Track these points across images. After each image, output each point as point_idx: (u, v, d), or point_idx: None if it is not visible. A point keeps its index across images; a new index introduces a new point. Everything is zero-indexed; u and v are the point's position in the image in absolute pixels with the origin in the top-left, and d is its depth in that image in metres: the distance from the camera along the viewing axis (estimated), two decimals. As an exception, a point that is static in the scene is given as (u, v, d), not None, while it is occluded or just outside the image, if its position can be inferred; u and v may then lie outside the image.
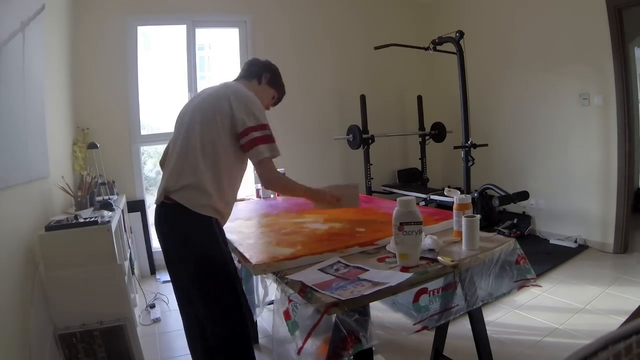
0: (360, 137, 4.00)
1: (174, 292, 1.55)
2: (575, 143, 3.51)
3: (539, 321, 2.29)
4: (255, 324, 2.28)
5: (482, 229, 1.34)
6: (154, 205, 1.50)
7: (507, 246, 1.34)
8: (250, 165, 1.48)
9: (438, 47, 3.63)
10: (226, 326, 1.36)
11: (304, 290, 1.06)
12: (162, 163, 1.63)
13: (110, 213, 2.18)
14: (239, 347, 1.38)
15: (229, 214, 1.50)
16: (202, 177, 1.36)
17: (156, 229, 1.50)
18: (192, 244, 1.37)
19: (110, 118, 3.39)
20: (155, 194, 1.51)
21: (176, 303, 1.57)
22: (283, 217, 1.91)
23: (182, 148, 1.42)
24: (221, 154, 1.39)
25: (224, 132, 1.38)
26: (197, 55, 3.75)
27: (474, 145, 3.38)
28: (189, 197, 1.36)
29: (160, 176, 1.59)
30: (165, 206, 1.41)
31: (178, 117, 1.56)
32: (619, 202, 3.24)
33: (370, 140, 4.03)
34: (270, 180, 1.43)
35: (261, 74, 1.64)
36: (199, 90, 3.82)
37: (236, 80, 1.64)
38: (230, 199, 1.47)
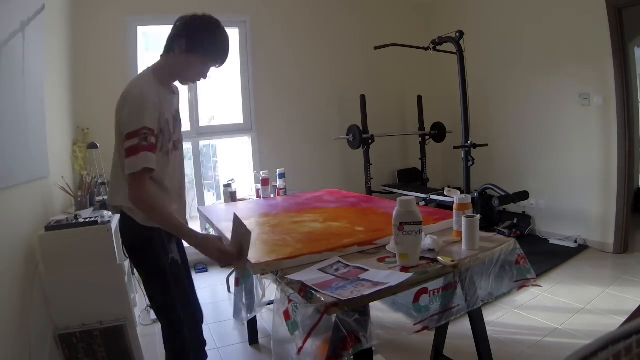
0: (360, 137, 4.00)
1: None
2: (575, 143, 3.51)
3: (539, 321, 2.28)
4: (255, 323, 2.29)
5: (482, 229, 1.34)
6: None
7: (507, 246, 1.34)
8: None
9: (438, 47, 3.63)
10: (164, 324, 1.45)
11: (304, 290, 1.06)
12: None
13: (110, 213, 2.18)
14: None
15: (177, 208, 1.45)
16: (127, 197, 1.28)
17: None
18: (135, 255, 1.43)
19: (110, 118, 3.32)
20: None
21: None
22: (282, 217, 1.90)
23: (113, 161, 1.44)
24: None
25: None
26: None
27: (474, 145, 3.38)
28: (126, 212, 1.38)
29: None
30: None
31: None
32: (619, 202, 3.24)
33: (370, 140, 4.03)
34: (132, 196, 1.25)
35: (173, 42, 1.32)
36: (198, 89, 3.86)
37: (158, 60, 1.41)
38: (167, 200, 1.40)
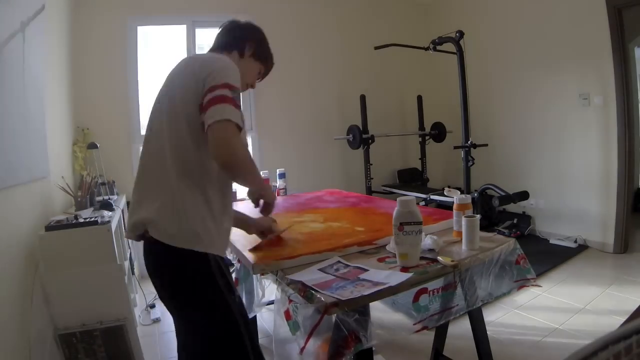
0: (360, 137, 4.00)
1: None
2: (575, 143, 3.51)
3: (539, 321, 2.28)
4: (255, 323, 2.29)
5: (482, 229, 1.34)
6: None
7: (507, 246, 1.34)
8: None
9: (438, 47, 3.63)
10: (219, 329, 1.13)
11: (304, 290, 1.06)
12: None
13: (110, 213, 2.18)
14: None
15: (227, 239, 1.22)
16: (181, 198, 1.05)
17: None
18: (183, 295, 1.10)
19: (110, 118, 3.39)
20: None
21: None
22: (282, 217, 1.90)
23: (145, 160, 1.16)
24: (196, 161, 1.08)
25: (196, 112, 1.06)
26: (197, 55, 3.74)
27: (474, 145, 3.38)
28: (167, 228, 1.05)
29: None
30: (146, 241, 1.11)
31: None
32: (619, 202, 3.24)
33: (370, 140, 4.03)
34: (221, 141, 0.99)
35: (244, 44, 1.27)
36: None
37: (210, 51, 1.29)
38: (224, 218, 1.16)
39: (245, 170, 1.08)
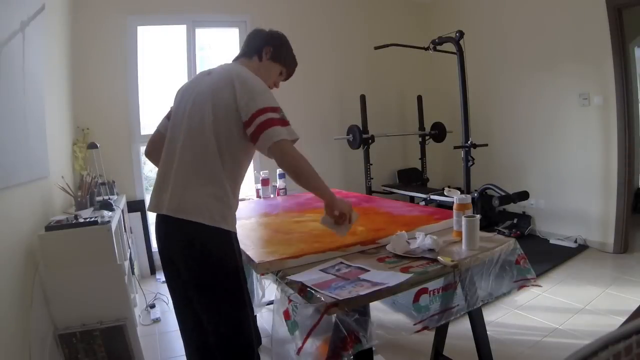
0: (360, 137, 4.00)
1: (169, 291, 1.43)
2: (575, 143, 3.51)
3: (539, 321, 2.28)
4: (255, 323, 2.29)
5: (482, 229, 1.34)
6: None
7: (507, 246, 1.34)
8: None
9: (438, 47, 3.63)
10: (229, 325, 1.28)
11: (304, 290, 1.06)
12: (150, 153, 1.52)
13: (110, 213, 2.18)
14: (241, 347, 1.29)
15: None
16: (222, 185, 1.25)
17: (157, 231, 1.36)
18: (209, 260, 1.25)
19: (110, 118, 3.39)
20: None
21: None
22: (283, 217, 1.91)
23: (181, 156, 1.29)
24: (235, 154, 1.28)
25: (235, 127, 1.25)
26: (197, 55, 3.75)
27: (474, 145, 3.38)
28: (206, 209, 1.23)
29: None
30: (175, 222, 1.26)
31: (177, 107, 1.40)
32: (619, 202, 3.24)
33: (370, 140, 4.03)
34: (289, 159, 1.24)
35: (262, 49, 1.44)
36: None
37: (236, 60, 1.48)
38: (235, 203, 1.35)
39: (309, 178, 1.28)
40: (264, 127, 1.20)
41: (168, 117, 1.45)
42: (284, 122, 1.24)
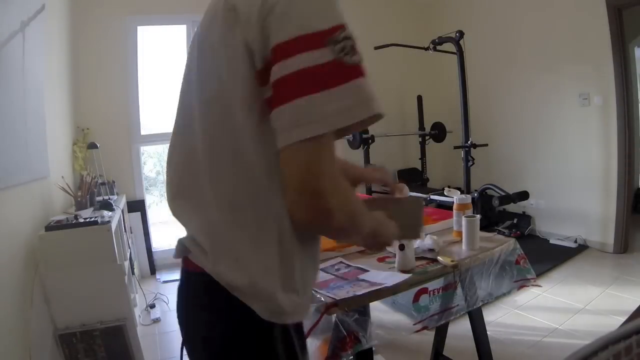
0: (360, 137, 3.99)
1: None
2: (575, 143, 3.51)
3: (539, 321, 2.28)
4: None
5: (482, 229, 1.34)
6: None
7: (507, 246, 1.34)
8: None
9: (438, 47, 3.63)
10: None
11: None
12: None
13: (110, 213, 2.18)
14: None
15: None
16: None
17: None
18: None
19: (110, 118, 3.39)
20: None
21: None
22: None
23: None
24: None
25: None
26: (197, 55, 3.75)
27: (474, 145, 3.38)
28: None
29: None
30: (189, 279, 0.74)
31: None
32: (619, 202, 3.24)
33: (370, 140, 4.03)
34: (305, 189, 0.59)
35: None
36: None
37: None
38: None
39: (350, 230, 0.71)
40: (282, 97, 0.57)
41: None
42: (341, 72, 0.59)
